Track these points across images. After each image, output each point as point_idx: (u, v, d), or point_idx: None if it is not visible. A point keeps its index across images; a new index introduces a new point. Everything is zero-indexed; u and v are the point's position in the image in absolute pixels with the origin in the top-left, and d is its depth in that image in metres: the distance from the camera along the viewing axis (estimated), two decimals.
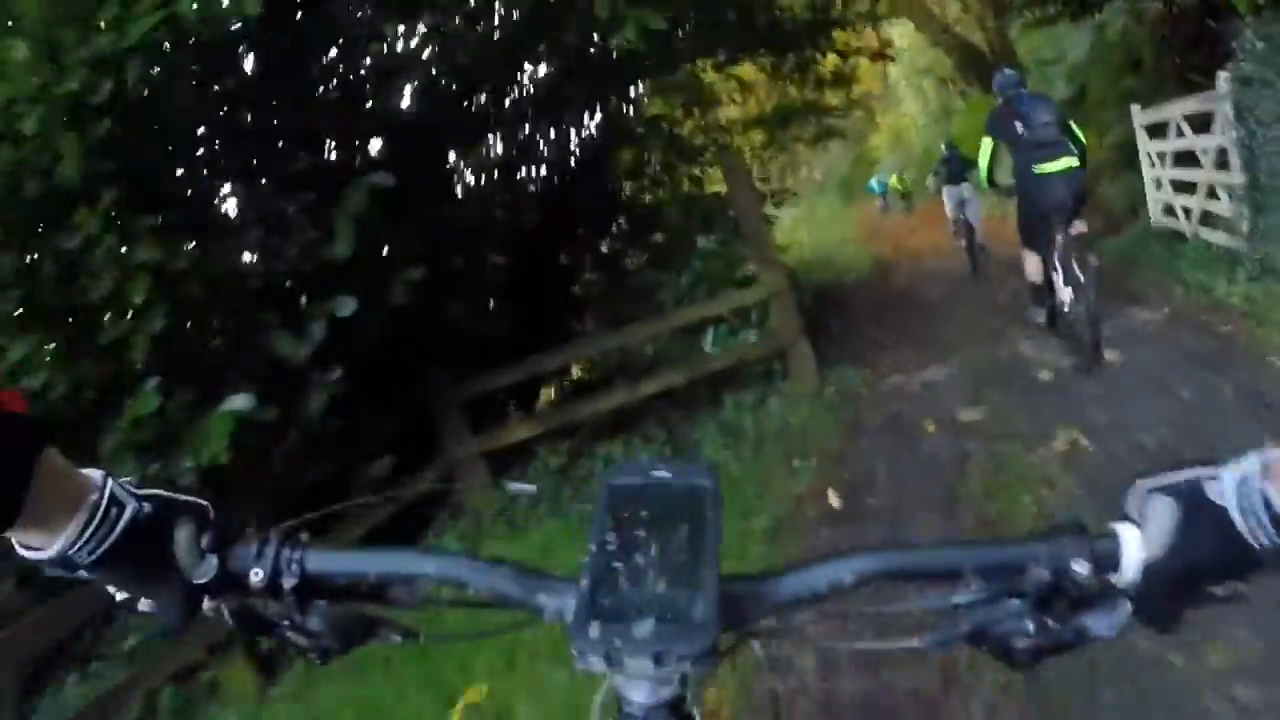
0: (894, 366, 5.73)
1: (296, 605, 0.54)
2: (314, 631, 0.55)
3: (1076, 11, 7.00)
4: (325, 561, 0.54)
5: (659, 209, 7.33)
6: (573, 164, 7.21)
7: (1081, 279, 4.10)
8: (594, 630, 0.44)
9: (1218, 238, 5.65)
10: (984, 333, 6.03)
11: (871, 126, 25.18)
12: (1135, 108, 6.89)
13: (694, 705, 0.49)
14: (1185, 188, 6.17)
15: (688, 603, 0.45)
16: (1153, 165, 6.85)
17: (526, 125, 6.59)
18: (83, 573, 0.51)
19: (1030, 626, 0.48)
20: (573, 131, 7.26)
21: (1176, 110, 5.91)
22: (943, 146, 9.28)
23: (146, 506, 0.52)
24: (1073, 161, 4.23)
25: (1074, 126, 4.42)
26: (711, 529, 0.49)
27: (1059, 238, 4.26)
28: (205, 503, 0.55)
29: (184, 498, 0.54)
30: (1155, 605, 0.47)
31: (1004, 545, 0.49)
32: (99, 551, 0.49)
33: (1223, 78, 4.84)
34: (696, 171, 8.04)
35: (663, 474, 0.53)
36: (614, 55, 5.94)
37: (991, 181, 4.92)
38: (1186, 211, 6.20)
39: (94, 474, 0.51)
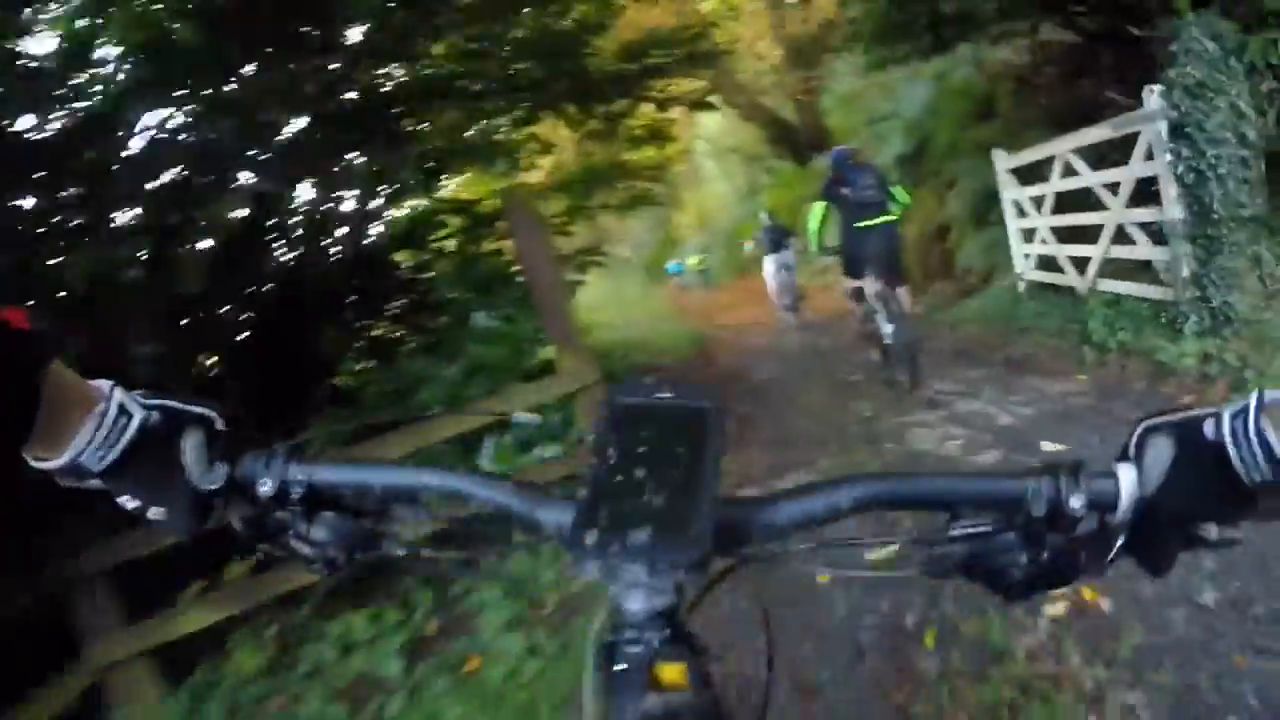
0: (743, 474, 4.03)
1: (304, 515, 0.54)
2: (319, 542, 0.55)
3: (927, 51, 6.20)
4: (331, 474, 0.54)
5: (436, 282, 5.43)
6: (337, 232, 5.54)
7: (898, 313, 4.73)
8: (590, 538, 0.44)
9: (1133, 289, 4.71)
10: (846, 415, 4.76)
11: (677, 205, 25.14)
12: (999, 152, 6.08)
13: (689, 620, 0.48)
14: (1075, 235, 5.29)
15: (683, 513, 0.45)
16: (1022, 214, 6.03)
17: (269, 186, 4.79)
18: (94, 482, 0.50)
19: (1023, 559, 0.48)
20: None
21: (1065, 145, 5.03)
22: (763, 216, 9.35)
23: (154, 415, 0.51)
24: (890, 217, 4.88)
25: (893, 188, 5.00)
26: (712, 448, 0.49)
27: (878, 285, 4.78)
28: (213, 413, 0.53)
29: (192, 407, 0.53)
30: (1148, 544, 0.47)
31: (1001, 479, 0.48)
32: (108, 459, 0.48)
33: (1156, 92, 3.87)
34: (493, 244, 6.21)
35: (666, 395, 0.53)
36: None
37: (820, 244, 5.35)
38: (1079, 262, 5.31)
39: (102, 384, 0.50)
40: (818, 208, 5.18)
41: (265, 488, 0.53)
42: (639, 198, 8.99)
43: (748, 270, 13.86)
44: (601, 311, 11.69)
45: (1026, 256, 6.08)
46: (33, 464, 0.48)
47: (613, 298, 15.72)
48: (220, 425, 0.53)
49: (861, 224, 4.84)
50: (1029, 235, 5.98)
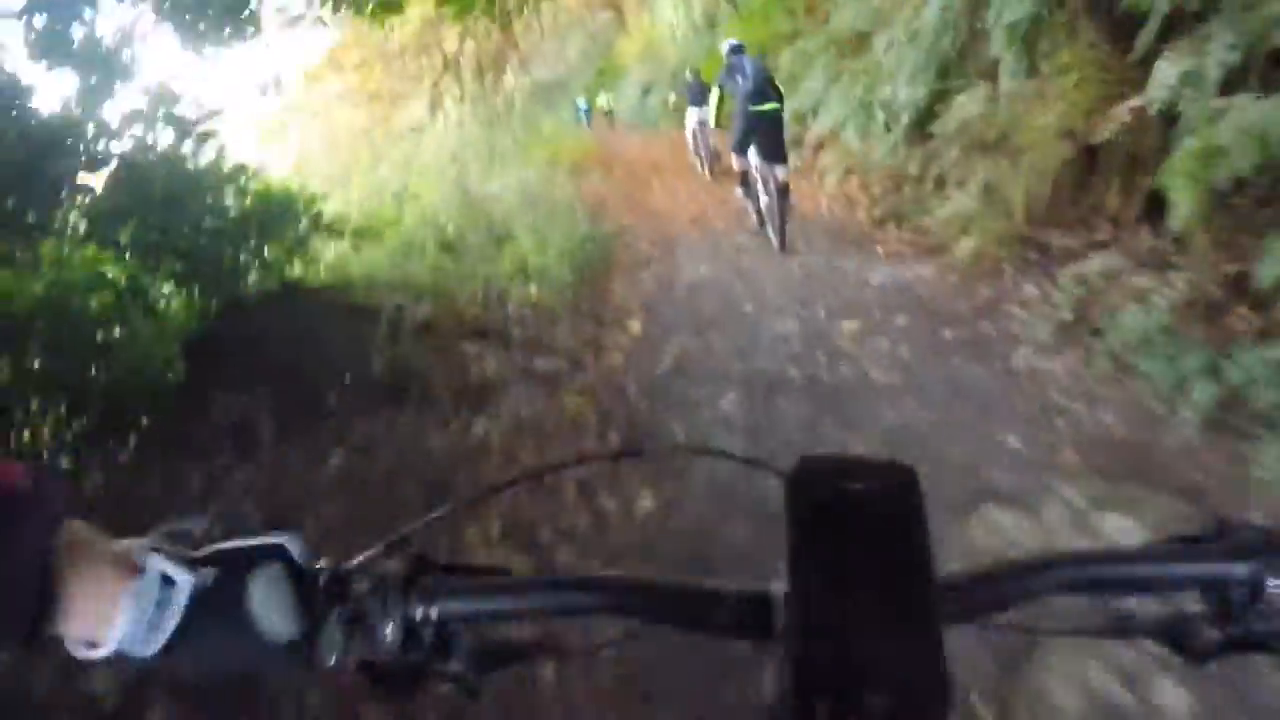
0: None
1: (435, 651, 0.45)
2: (455, 672, 0.45)
3: None
4: (466, 605, 0.44)
5: None
6: None
7: (777, 186, 5.46)
8: (821, 713, 0.36)
9: None
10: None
11: (624, 30, 22.65)
12: None
13: None
14: None
15: (923, 656, 0.37)
16: None
17: None
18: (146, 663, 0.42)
19: (1216, 631, 0.46)
20: None
21: None
22: (687, 73, 9.85)
23: (209, 573, 0.41)
24: (776, 105, 5.52)
25: (775, 82, 5.67)
26: (924, 543, 0.41)
27: (761, 161, 5.61)
28: (282, 542, 0.43)
29: (258, 541, 0.43)
30: None
31: (1200, 559, 0.47)
32: (157, 643, 0.40)
33: None
34: None
35: (856, 466, 0.44)
36: None
37: (718, 120, 6.84)
38: None
39: (134, 545, 0.42)
40: (716, 91, 6.41)
41: (388, 637, 0.42)
42: None
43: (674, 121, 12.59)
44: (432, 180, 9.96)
45: None
46: (72, 652, 0.40)
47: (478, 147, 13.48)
48: (298, 554, 0.43)
49: (754, 109, 5.47)
50: None
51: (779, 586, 0.43)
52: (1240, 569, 0.45)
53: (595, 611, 0.46)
